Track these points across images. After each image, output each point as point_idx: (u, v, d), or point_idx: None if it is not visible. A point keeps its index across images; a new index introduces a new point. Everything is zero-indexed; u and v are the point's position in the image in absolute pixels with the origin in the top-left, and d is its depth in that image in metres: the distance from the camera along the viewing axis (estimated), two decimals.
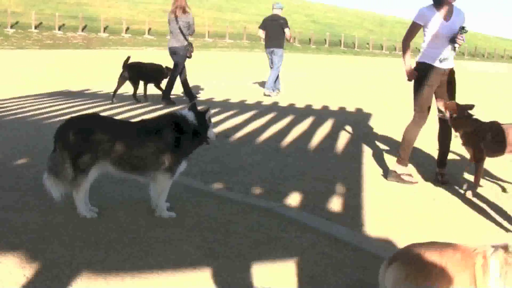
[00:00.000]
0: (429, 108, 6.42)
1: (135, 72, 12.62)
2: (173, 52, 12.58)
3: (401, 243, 4.45)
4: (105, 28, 51.06)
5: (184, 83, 12.90)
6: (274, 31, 14.90)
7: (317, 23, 71.22)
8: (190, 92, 13.02)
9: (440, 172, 6.64)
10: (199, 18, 60.36)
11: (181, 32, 12.27)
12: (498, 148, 5.97)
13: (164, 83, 13.00)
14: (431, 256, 2.63)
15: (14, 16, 45.94)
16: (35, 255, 3.89)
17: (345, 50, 63.94)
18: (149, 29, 53.89)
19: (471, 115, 6.13)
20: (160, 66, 13.14)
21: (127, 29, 52.78)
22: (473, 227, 5.00)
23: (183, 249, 4.14)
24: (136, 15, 56.79)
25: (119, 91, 12.64)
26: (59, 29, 48.22)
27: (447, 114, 6.12)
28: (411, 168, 6.88)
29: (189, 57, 12.66)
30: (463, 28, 6.25)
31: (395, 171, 6.50)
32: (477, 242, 4.54)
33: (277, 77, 15.42)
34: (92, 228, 4.50)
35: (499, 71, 41.79)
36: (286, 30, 14.89)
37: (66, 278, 3.57)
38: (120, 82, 12.53)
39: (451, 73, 6.45)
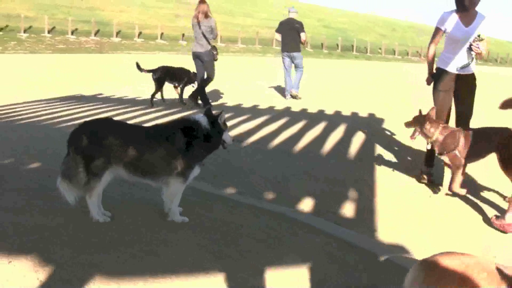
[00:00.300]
0: (447, 113, 6.39)
1: (164, 74, 13.14)
2: (196, 56, 12.73)
3: (412, 248, 4.46)
4: (117, 33, 51.26)
5: (202, 88, 13.00)
6: (291, 35, 15.09)
7: (329, 28, 71.13)
8: (205, 97, 13.06)
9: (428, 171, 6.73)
10: None
11: (204, 36, 12.47)
12: (473, 153, 5.92)
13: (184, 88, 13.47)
14: (456, 266, 2.57)
15: (27, 21, 46.20)
16: (48, 258, 3.91)
17: (357, 55, 63.80)
18: (161, 34, 54.05)
19: (443, 123, 6.19)
20: (188, 71, 13.48)
21: (140, 33, 52.96)
22: (486, 234, 4.98)
23: (195, 253, 4.15)
24: (148, 19, 56.94)
25: (133, 95, 12.71)
26: (72, 33, 48.45)
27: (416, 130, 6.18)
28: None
29: (215, 60, 12.79)
30: (478, 35, 6.21)
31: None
32: (490, 251, 4.55)
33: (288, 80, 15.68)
34: (104, 232, 4.52)
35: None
36: (302, 34, 15.08)
37: (79, 281, 3.59)
38: (158, 85, 13.10)
39: (470, 79, 6.41)
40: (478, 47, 6.21)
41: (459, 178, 5.90)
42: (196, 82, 13.37)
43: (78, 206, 4.73)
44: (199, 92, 13.04)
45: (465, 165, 5.94)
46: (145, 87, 16.79)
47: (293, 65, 15.54)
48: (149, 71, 13.09)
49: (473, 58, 6.32)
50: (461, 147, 5.86)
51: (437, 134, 5.97)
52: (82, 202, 4.73)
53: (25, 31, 45.25)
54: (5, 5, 48.24)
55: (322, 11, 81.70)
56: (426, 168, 6.78)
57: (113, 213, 4.88)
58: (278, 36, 15.54)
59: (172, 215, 4.84)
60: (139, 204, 5.33)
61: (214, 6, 56.92)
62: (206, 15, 12.45)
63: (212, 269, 3.89)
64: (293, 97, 15.49)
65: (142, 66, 13.03)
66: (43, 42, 44.17)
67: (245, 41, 58.79)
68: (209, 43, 12.54)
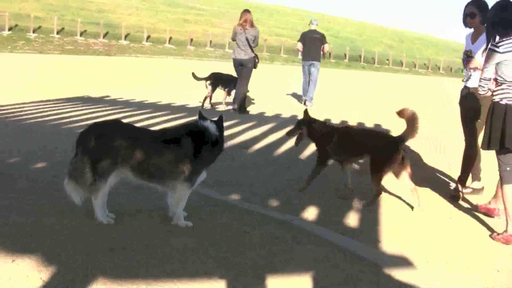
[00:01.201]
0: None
1: (216, 79, 13.87)
2: (239, 63, 13.12)
3: (416, 260, 4.44)
4: (126, 36, 51.38)
5: (241, 92, 13.38)
6: (313, 45, 15.83)
7: (337, 37, 71.12)
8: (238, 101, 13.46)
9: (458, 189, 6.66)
10: (220, 28, 60.75)
11: (249, 44, 12.93)
12: (344, 151, 6.29)
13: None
14: None
15: (36, 21, 46.35)
16: (51, 259, 3.91)
17: (365, 65, 63.76)
18: (170, 38, 54.15)
19: (317, 121, 6.61)
20: (236, 78, 13.76)
21: (148, 37, 53.07)
22: (489, 246, 4.97)
23: (198, 259, 4.15)
24: (157, 23, 57.08)
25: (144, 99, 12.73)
26: (80, 35, 48.58)
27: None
28: (426, 188, 6.89)
29: (255, 68, 13.30)
30: (466, 52, 6.48)
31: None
32: (493, 262, 4.53)
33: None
34: (107, 234, 4.52)
35: None
36: (326, 45, 16.04)
37: (81, 283, 3.59)
38: (211, 90, 13.88)
39: (469, 95, 6.41)
40: (470, 64, 6.39)
41: (314, 175, 6.41)
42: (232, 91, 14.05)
43: (83, 207, 4.73)
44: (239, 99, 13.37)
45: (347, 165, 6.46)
46: (150, 91, 16.85)
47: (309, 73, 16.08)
48: (203, 78, 13.93)
49: (470, 75, 6.40)
50: (334, 144, 6.24)
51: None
52: (87, 204, 4.74)
53: (34, 31, 45.38)
54: (15, 5, 48.43)
55: (331, 20, 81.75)
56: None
57: (117, 215, 4.89)
58: (300, 46, 16.20)
59: (177, 220, 4.84)
60: (143, 207, 5.33)
61: (223, 13, 56.99)
62: (252, 24, 13.02)
63: (215, 275, 3.88)
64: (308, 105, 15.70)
65: (197, 75, 14.10)
66: (52, 42, 44.30)
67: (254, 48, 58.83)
68: (252, 51, 13.05)
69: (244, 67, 13.08)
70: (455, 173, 6.88)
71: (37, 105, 12.13)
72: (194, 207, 5.27)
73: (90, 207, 4.72)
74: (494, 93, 5.24)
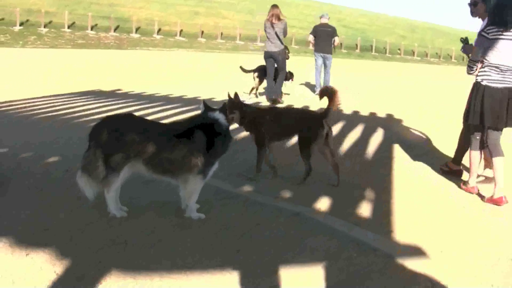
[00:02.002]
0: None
1: (263, 72, 14.61)
2: (270, 56, 13.90)
3: (430, 251, 4.43)
4: (137, 29, 51.44)
5: (278, 82, 14.24)
6: (325, 38, 16.46)
7: (348, 28, 70.83)
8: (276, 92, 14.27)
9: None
10: (230, 20, 60.71)
11: (278, 37, 13.71)
12: (278, 132, 6.49)
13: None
14: None
15: (47, 15, 46.51)
16: (64, 253, 3.94)
17: (376, 55, 63.55)
18: (181, 31, 54.17)
19: (247, 104, 6.64)
20: (279, 69, 14.39)
21: (159, 30, 53.10)
22: (504, 238, 4.94)
23: (211, 251, 4.16)
24: (167, 16, 57.11)
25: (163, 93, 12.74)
26: (91, 29, 48.70)
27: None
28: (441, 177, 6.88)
29: (287, 58, 14.12)
30: (461, 38, 6.64)
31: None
32: (508, 253, 4.51)
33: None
34: (120, 227, 4.54)
35: None
36: (336, 38, 16.66)
37: (95, 276, 3.62)
38: (258, 81, 14.89)
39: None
40: (463, 50, 6.55)
41: (260, 159, 6.57)
42: (290, 80, 15.15)
43: (96, 201, 4.75)
44: (280, 86, 14.31)
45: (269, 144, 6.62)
46: (162, 84, 16.87)
47: (323, 65, 16.81)
48: (251, 71, 14.93)
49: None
50: (266, 126, 6.40)
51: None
52: (100, 198, 4.75)
53: (45, 26, 45.56)
54: (27, 0, 48.59)
55: (342, 11, 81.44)
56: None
57: (130, 209, 4.91)
58: (311, 39, 16.75)
59: (189, 212, 4.85)
60: (156, 200, 5.34)
61: (234, 4, 56.90)
62: (279, 18, 13.75)
63: (227, 266, 3.89)
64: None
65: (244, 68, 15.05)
66: (63, 37, 44.45)
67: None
68: (282, 43, 13.80)
69: (276, 59, 13.86)
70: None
71: (49, 100, 12.18)
72: (206, 199, 5.28)
73: (103, 201, 4.74)
74: (478, 74, 5.96)
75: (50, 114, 10.25)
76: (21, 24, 44.27)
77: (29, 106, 11.06)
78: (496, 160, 5.98)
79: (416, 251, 4.43)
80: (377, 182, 6.54)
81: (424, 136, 9.85)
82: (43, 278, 3.55)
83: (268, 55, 13.98)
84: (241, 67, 15.05)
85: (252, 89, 15.09)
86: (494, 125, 5.90)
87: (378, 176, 6.88)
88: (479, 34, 5.97)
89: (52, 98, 12.53)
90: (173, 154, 4.64)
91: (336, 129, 10.27)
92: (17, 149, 7.16)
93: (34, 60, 24.89)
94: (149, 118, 5.55)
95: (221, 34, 56.63)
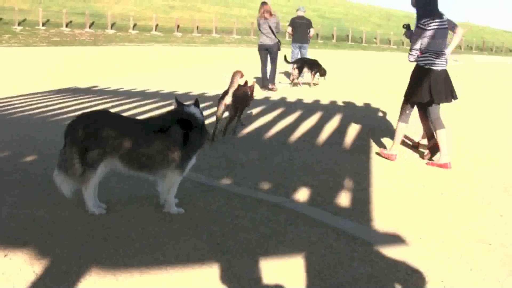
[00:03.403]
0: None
1: (303, 63, 16.39)
2: (265, 48, 15.22)
3: (409, 238, 4.46)
4: (112, 25, 51.14)
5: (272, 72, 15.54)
6: (302, 29, 17.78)
7: (324, 18, 71.01)
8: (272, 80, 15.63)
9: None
10: (206, 13, 60.54)
11: (272, 31, 14.96)
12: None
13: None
14: None
15: (21, 13, 46.10)
16: (44, 251, 3.91)
17: (353, 44, 63.76)
18: (156, 25, 53.93)
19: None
20: (320, 64, 16.74)
21: (134, 25, 52.84)
22: (481, 221, 4.99)
23: (191, 245, 4.15)
24: (142, 11, 56.85)
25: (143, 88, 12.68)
26: (66, 26, 48.33)
27: None
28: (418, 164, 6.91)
29: (279, 50, 15.37)
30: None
31: None
32: (486, 236, 4.55)
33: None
34: (100, 223, 4.52)
35: (507, 62, 41.66)
36: (311, 30, 17.99)
37: (75, 274, 3.59)
38: (298, 72, 16.39)
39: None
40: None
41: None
42: (324, 77, 17.05)
43: (74, 199, 4.72)
44: (274, 76, 15.63)
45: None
46: (139, 79, 16.81)
47: (299, 54, 18.05)
48: (292, 62, 16.82)
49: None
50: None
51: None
52: (78, 195, 4.73)
53: (19, 24, 45.16)
54: None
55: (317, 1, 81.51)
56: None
57: (109, 205, 4.88)
58: (290, 30, 18.03)
59: (168, 207, 4.83)
60: (135, 195, 5.32)
61: None
62: (271, 13, 15.08)
63: (209, 260, 3.89)
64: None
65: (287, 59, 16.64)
66: (38, 35, 44.06)
67: (240, 32, 58.73)
68: (275, 36, 15.13)
69: (270, 52, 15.17)
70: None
71: (25, 98, 12.09)
72: (185, 193, 5.27)
73: (82, 198, 4.71)
74: (419, 60, 6.95)
75: (26, 112, 10.17)
76: None
77: (5, 106, 10.96)
78: (439, 132, 6.97)
79: (395, 239, 4.46)
80: (355, 171, 6.57)
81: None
82: (22, 279, 3.51)
83: (263, 48, 15.23)
84: (285, 57, 16.36)
85: (292, 79, 16.64)
86: (438, 101, 6.94)
87: (357, 164, 6.92)
88: (417, 26, 6.96)
89: (28, 96, 12.43)
90: (149, 149, 4.62)
91: (314, 118, 10.30)
92: None
93: (8, 59, 24.66)
94: (126, 114, 5.52)
95: (197, 27, 56.48)
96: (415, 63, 7.07)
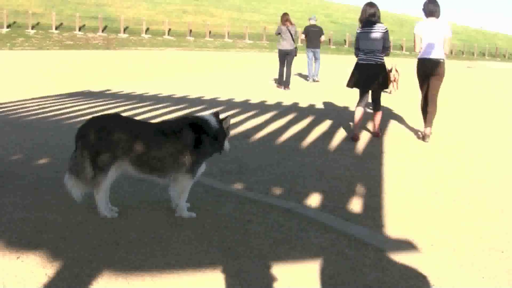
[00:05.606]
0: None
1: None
2: (286, 53, 17.53)
3: (420, 244, 4.44)
4: (125, 29, 51.32)
5: (287, 74, 17.74)
6: (314, 36, 20.62)
7: (336, 23, 70.96)
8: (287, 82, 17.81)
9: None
10: (218, 18, 60.64)
11: (292, 38, 17.33)
12: None
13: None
14: None
15: (35, 17, 46.37)
16: (56, 254, 3.92)
17: None
18: (169, 30, 54.08)
19: None
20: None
21: (147, 29, 53.00)
22: (493, 228, 4.95)
23: (203, 249, 4.15)
24: (155, 15, 57.03)
25: (153, 93, 12.72)
26: (79, 29, 48.57)
27: None
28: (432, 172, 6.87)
29: (295, 55, 17.70)
30: None
31: None
32: (498, 244, 4.52)
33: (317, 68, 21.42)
34: (112, 227, 4.53)
35: None
36: (322, 36, 20.92)
37: (87, 277, 3.60)
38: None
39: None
40: None
41: None
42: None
43: (86, 203, 4.74)
44: (286, 77, 17.76)
45: None
46: (151, 83, 16.85)
47: (313, 57, 20.89)
48: (390, 70, 16.52)
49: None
50: None
51: None
52: (90, 198, 4.74)
53: (32, 28, 45.41)
54: (13, 2, 48.40)
55: (330, 7, 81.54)
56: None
57: (121, 209, 4.89)
58: (303, 37, 20.71)
59: (180, 211, 4.84)
60: (146, 200, 5.33)
61: (222, 2, 56.82)
62: (291, 22, 17.45)
63: (220, 265, 3.88)
64: (316, 81, 20.97)
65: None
66: (51, 38, 44.33)
67: (252, 37, 58.80)
68: (294, 43, 17.48)
69: (289, 56, 17.43)
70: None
71: (38, 102, 12.14)
72: (197, 198, 5.28)
73: (94, 201, 4.72)
74: (358, 56, 9.18)
75: (39, 116, 10.22)
76: (8, 26, 44.10)
77: (18, 109, 11.02)
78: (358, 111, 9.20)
79: (407, 245, 4.44)
80: (367, 177, 6.55)
81: (412, 129, 9.89)
82: (34, 281, 3.53)
83: (284, 53, 17.52)
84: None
85: (391, 83, 17.15)
86: (364, 88, 9.19)
87: (368, 170, 6.90)
88: (357, 31, 9.25)
89: (41, 99, 12.49)
90: (160, 153, 4.62)
91: (326, 125, 10.29)
92: (6, 152, 7.13)
93: (22, 62, 24.79)
94: (138, 118, 5.53)
95: (210, 32, 56.59)
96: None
